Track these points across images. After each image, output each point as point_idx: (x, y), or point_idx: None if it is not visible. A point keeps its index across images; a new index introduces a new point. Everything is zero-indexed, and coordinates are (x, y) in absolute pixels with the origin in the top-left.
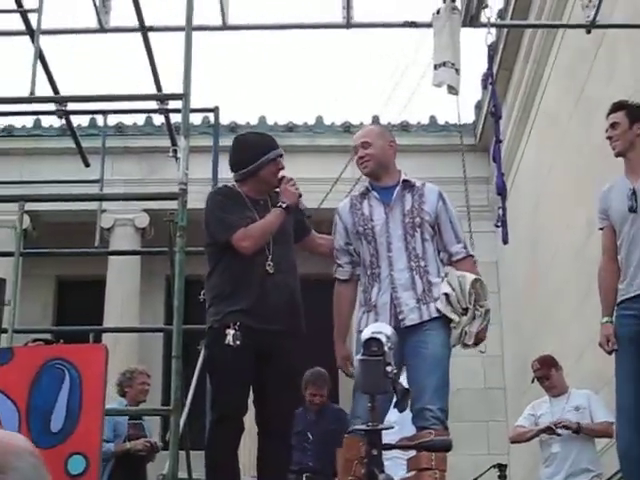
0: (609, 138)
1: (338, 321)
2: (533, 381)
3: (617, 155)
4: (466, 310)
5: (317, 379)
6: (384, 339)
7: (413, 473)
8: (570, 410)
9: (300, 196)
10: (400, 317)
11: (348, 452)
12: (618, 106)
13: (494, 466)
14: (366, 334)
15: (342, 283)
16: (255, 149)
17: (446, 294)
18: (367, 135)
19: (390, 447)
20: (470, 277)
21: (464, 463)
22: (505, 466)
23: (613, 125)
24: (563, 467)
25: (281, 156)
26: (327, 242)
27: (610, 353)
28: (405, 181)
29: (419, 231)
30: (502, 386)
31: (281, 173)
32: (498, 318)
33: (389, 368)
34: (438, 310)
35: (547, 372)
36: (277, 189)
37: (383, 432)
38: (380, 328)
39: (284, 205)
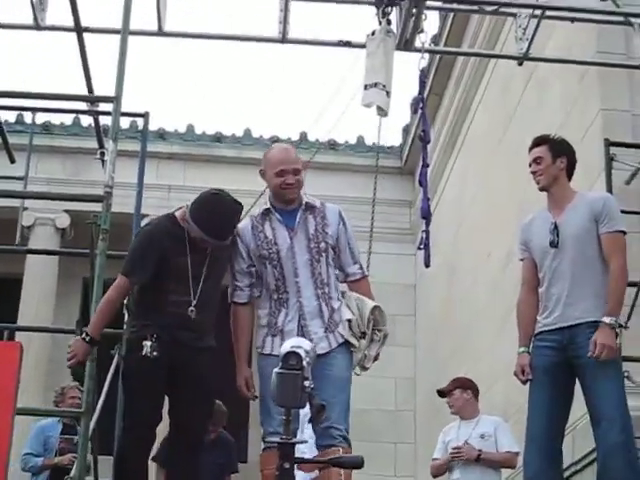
0: (533, 173)
1: (239, 343)
2: (440, 395)
3: (541, 189)
4: (364, 334)
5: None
6: (303, 353)
7: None
8: (475, 437)
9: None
10: None
11: (265, 467)
12: (541, 140)
13: None
14: (285, 348)
15: (241, 306)
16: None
17: (349, 320)
18: (298, 161)
19: (303, 461)
20: (369, 304)
21: None
22: None
23: (536, 160)
24: None
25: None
26: None
27: (524, 383)
28: (306, 203)
29: (324, 256)
30: (412, 409)
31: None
32: (412, 341)
33: (307, 382)
34: (342, 335)
35: (450, 389)
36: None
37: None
38: (299, 342)
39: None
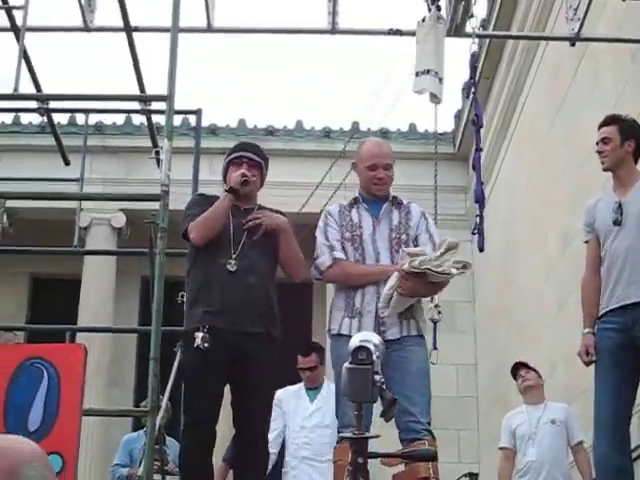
0: (599, 152)
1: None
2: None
3: (605, 170)
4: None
5: None
6: (372, 348)
7: None
8: (546, 422)
9: (245, 181)
10: (382, 329)
11: (339, 459)
12: (611, 120)
13: (465, 475)
14: (354, 342)
15: (343, 261)
16: (225, 158)
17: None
18: (391, 156)
19: (376, 455)
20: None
21: None
22: (476, 475)
23: (604, 140)
24: (538, 478)
25: (240, 157)
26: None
27: (588, 364)
28: (394, 197)
29: (404, 247)
30: (475, 395)
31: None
32: (472, 327)
33: (377, 377)
34: (417, 327)
35: (528, 369)
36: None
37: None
38: (368, 337)
39: (226, 188)
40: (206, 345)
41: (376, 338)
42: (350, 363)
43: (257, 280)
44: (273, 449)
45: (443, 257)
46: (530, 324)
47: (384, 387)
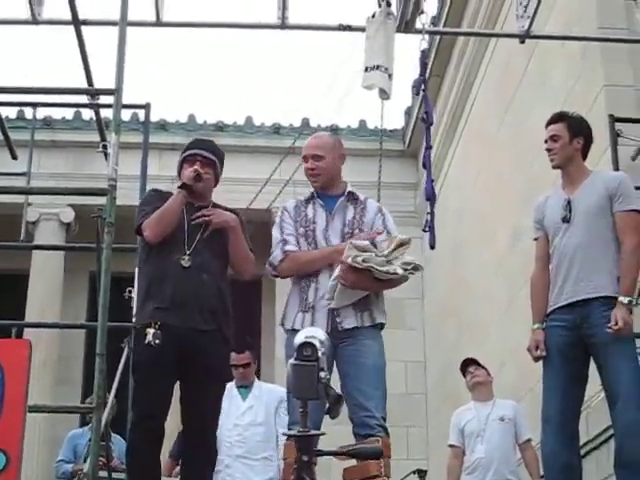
0: (548, 150)
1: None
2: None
3: (555, 167)
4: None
5: None
6: (318, 344)
7: None
8: (495, 419)
9: (197, 176)
10: (338, 320)
11: (287, 456)
12: (558, 117)
13: (414, 472)
14: (299, 339)
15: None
16: (180, 155)
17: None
18: (320, 147)
19: (321, 453)
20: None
21: None
22: (425, 472)
23: (553, 137)
24: (486, 475)
25: (194, 155)
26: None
27: (537, 360)
28: (350, 192)
29: (352, 239)
30: (424, 392)
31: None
32: (421, 324)
33: (322, 374)
34: (372, 317)
35: (477, 366)
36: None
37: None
38: (314, 332)
39: (179, 184)
40: (157, 342)
41: (322, 334)
42: (295, 359)
43: (209, 277)
44: None
45: (393, 254)
46: (479, 321)
47: (329, 384)
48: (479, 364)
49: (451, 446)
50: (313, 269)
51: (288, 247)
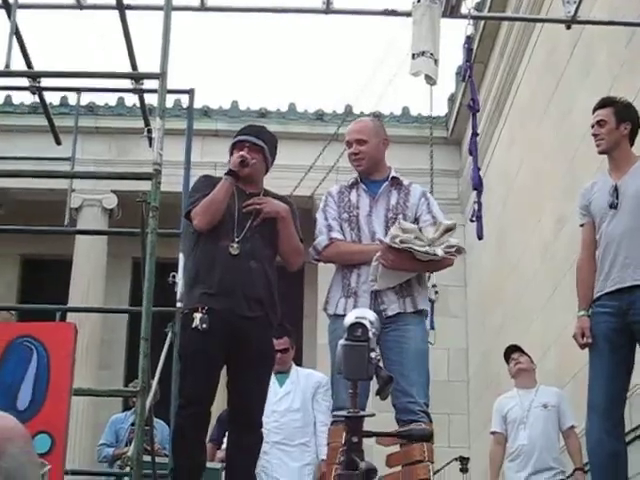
0: (594, 135)
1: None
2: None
3: (601, 153)
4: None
5: None
6: (368, 324)
7: (400, 467)
8: (538, 406)
9: (242, 162)
10: (382, 307)
11: (333, 440)
12: (606, 102)
13: (456, 459)
14: (350, 319)
15: (339, 241)
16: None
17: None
18: (363, 131)
19: (371, 434)
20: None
21: None
22: (467, 459)
23: (600, 122)
24: (529, 462)
25: (243, 142)
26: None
27: (583, 347)
28: (394, 178)
29: (400, 220)
30: (465, 379)
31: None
32: (464, 312)
33: (373, 354)
34: (414, 304)
35: (521, 353)
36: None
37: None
38: (364, 313)
39: (226, 171)
40: (204, 326)
41: (372, 315)
42: (345, 340)
43: (258, 265)
44: None
45: (440, 239)
46: (523, 308)
47: (380, 365)
48: (523, 351)
49: (493, 433)
50: (355, 261)
51: (334, 234)
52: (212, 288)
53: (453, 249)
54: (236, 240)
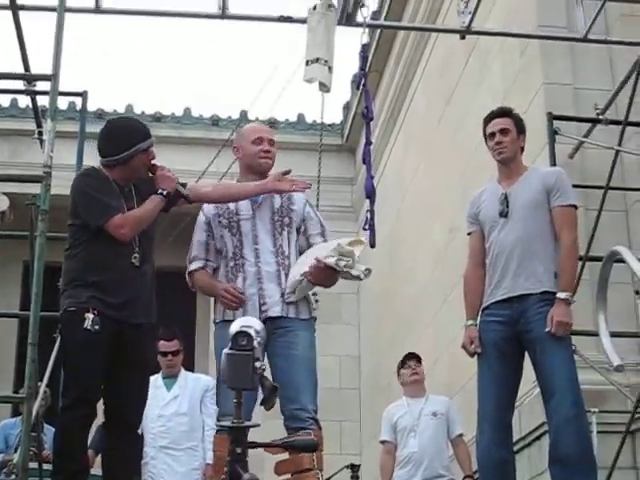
0: (498, 143)
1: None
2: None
3: (501, 161)
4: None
5: None
6: (253, 333)
7: (289, 475)
8: (427, 414)
9: (177, 182)
10: (263, 308)
11: (218, 449)
12: (506, 112)
13: (347, 466)
14: (235, 328)
15: (198, 271)
16: (128, 137)
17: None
18: (273, 134)
19: (255, 445)
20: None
21: None
22: (358, 466)
23: (503, 131)
24: (419, 470)
25: (152, 145)
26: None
27: (472, 355)
28: None
29: (287, 230)
30: (357, 387)
31: (153, 162)
32: (356, 319)
33: (258, 364)
34: (310, 310)
35: (418, 362)
36: (149, 176)
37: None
38: (249, 322)
39: (164, 192)
40: (97, 327)
41: (258, 324)
42: (230, 349)
43: (149, 269)
44: None
45: (354, 255)
46: (414, 317)
47: (265, 374)
48: (420, 360)
49: (383, 442)
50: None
51: (192, 266)
52: (109, 296)
53: (368, 271)
54: (136, 250)
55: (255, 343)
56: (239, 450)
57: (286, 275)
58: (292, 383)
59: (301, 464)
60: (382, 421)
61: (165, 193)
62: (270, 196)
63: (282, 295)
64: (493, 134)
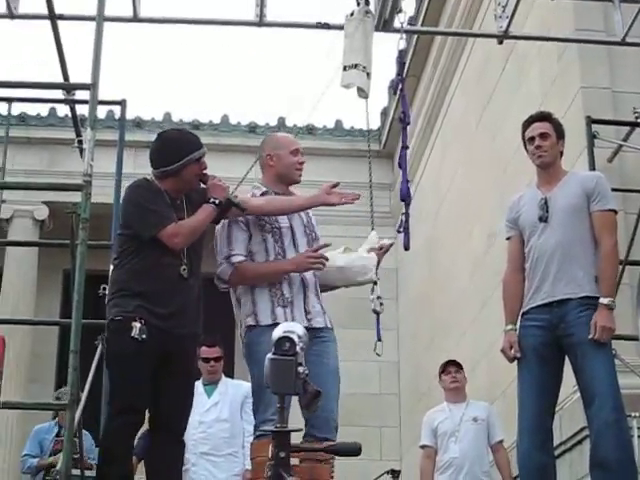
0: (538, 147)
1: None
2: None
3: (541, 165)
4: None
5: None
6: (296, 339)
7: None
8: (468, 420)
9: (229, 191)
10: (309, 317)
11: (257, 455)
12: (545, 117)
13: (387, 472)
14: (278, 333)
15: (242, 263)
16: (180, 147)
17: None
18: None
19: (299, 450)
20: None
21: (356, 468)
22: (398, 472)
23: (543, 135)
24: (459, 475)
25: (204, 155)
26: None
27: (512, 360)
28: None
29: (314, 243)
30: (397, 392)
31: (205, 172)
32: (395, 324)
33: (301, 369)
34: (331, 321)
35: (459, 368)
36: (202, 186)
37: None
38: (292, 327)
39: (216, 202)
40: (144, 337)
41: (300, 329)
42: (273, 354)
43: (196, 282)
44: None
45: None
46: (453, 322)
47: (307, 379)
48: (461, 367)
49: (423, 447)
50: (263, 282)
51: (235, 259)
52: (156, 306)
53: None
54: (185, 261)
55: (298, 348)
56: (283, 454)
57: (319, 285)
58: (324, 391)
59: (320, 475)
60: (422, 426)
61: (217, 202)
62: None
63: (321, 306)
64: (532, 138)
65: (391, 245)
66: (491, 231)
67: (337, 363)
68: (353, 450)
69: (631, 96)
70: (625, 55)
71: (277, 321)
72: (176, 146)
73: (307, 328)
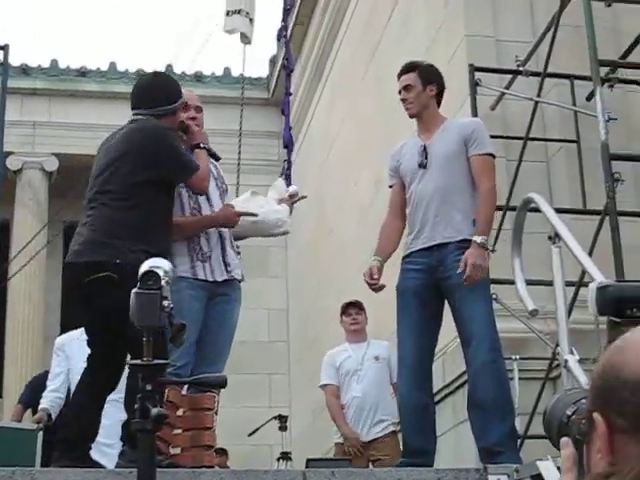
0: (403, 100)
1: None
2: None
3: (411, 117)
4: None
5: None
6: (162, 273)
7: (190, 412)
8: (370, 358)
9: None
10: (229, 269)
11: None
12: (410, 67)
13: (275, 417)
14: (143, 268)
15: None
16: (177, 87)
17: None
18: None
19: (165, 383)
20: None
21: (245, 414)
22: (286, 417)
23: (406, 87)
24: (361, 414)
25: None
26: None
27: (373, 288)
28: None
29: (224, 197)
30: (286, 339)
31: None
32: (284, 272)
33: (165, 302)
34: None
35: (359, 310)
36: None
37: None
38: (158, 262)
39: (206, 147)
40: None
41: (167, 264)
42: (138, 288)
43: None
44: (60, 394)
45: None
46: (341, 270)
47: (172, 313)
48: (362, 307)
49: (325, 385)
50: (182, 237)
51: None
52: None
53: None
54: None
55: (163, 282)
56: (149, 387)
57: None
58: (215, 349)
59: (201, 403)
60: (323, 366)
61: (208, 148)
62: (212, 164)
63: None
64: (400, 92)
65: (302, 197)
66: (376, 181)
67: (236, 321)
68: (219, 382)
69: (514, 45)
70: (509, 4)
71: (197, 276)
72: (175, 85)
73: (227, 280)
